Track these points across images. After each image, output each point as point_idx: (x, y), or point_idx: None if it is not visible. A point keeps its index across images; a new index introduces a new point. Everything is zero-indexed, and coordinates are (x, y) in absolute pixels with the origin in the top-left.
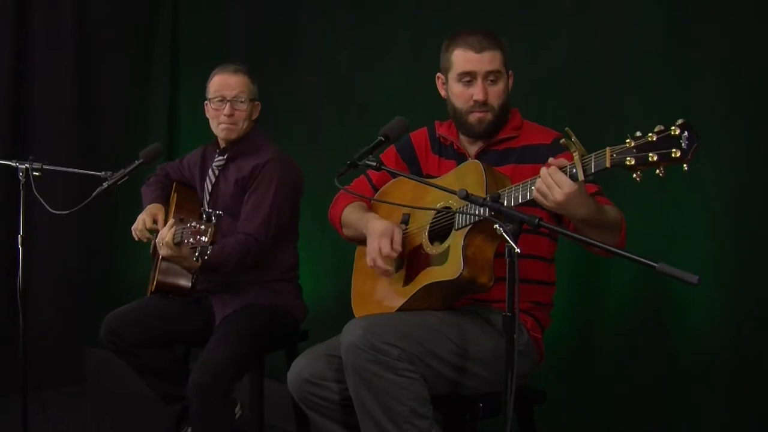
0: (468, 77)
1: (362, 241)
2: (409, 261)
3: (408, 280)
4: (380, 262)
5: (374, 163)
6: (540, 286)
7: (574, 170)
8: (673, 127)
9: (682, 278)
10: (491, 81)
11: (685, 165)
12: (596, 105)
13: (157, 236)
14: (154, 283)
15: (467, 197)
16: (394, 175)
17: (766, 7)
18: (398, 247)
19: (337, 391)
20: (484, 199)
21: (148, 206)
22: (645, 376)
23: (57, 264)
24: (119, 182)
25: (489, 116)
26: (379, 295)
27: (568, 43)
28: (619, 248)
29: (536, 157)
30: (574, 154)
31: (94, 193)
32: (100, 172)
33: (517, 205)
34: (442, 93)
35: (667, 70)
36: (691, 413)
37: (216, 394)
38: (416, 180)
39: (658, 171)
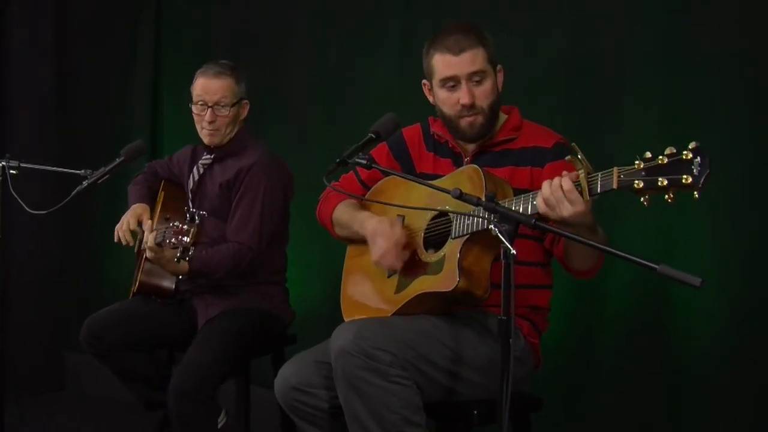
0: (451, 82)
1: (355, 240)
2: (403, 267)
3: (401, 287)
4: (389, 256)
5: (364, 161)
6: (537, 290)
7: (580, 188)
8: (685, 152)
9: (684, 280)
10: (476, 82)
11: (695, 193)
12: (595, 103)
13: (140, 237)
14: (137, 283)
15: (461, 197)
16: (385, 174)
17: (767, 5)
18: (401, 237)
19: (326, 399)
20: (479, 198)
21: (133, 206)
22: (646, 381)
23: (36, 266)
24: (100, 181)
25: (480, 119)
26: (369, 300)
27: (566, 40)
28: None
29: (534, 159)
30: (579, 172)
31: (73, 192)
32: (80, 170)
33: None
34: (430, 99)
35: (667, 68)
36: (693, 418)
37: (198, 399)
38: (409, 179)
39: (667, 196)
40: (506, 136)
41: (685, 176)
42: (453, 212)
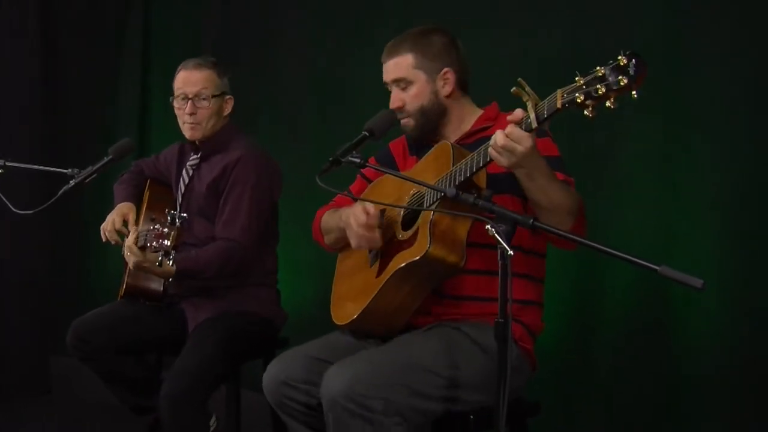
0: (387, 86)
1: (345, 240)
2: (384, 253)
3: (381, 270)
4: (366, 236)
5: (358, 160)
6: (523, 280)
7: (529, 120)
8: (620, 57)
9: (686, 282)
10: (402, 87)
11: (633, 92)
12: None
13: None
14: (124, 286)
15: (457, 197)
16: (379, 173)
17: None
18: (372, 217)
19: (316, 395)
20: (475, 197)
21: (119, 205)
22: (646, 384)
23: (22, 267)
24: (87, 180)
25: (410, 122)
26: (354, 291)
27: (566, 40)
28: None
29: None
30: (527, 103)
31: (60, 192)
32: (67, 169)
33: (479, 170)
34: None
35: (667, 68)
36: (693, 420)
37: (190, 405)
38: (397, 176)
39: (608, 103)
40: (481, 125)
41: (621, 78)
42: (428, 186)
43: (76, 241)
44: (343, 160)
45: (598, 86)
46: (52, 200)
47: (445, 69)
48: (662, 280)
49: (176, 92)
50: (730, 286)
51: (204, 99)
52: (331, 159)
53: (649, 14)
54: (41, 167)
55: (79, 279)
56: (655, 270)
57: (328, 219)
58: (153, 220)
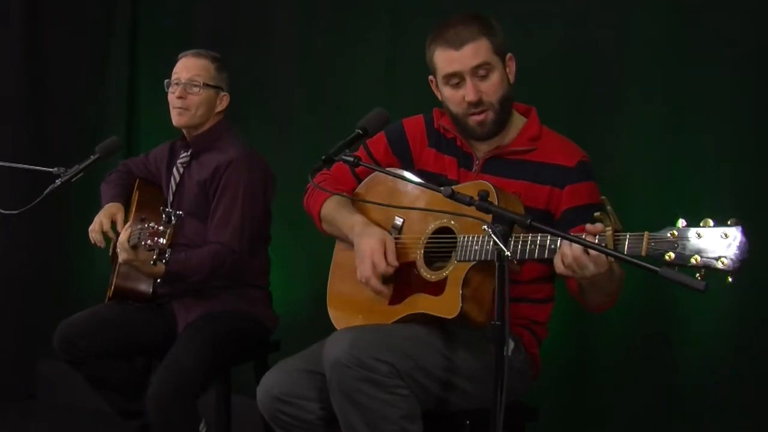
0: (455, 78)
1: (344, 239)
2: (399, 276)
3: (396, 299)
4: (374, 282)
5: (351, 159)
6: (540, 304)
7: (603, 245)
8: (725, 229)
9: (688, 284)
10: (481, 76)
11: (729, 278)
12: (594, 95)
13: (116, 239)
14: (112, 287)
15: (453, 196)
16: (374, 170)
17: None
18: (394, 262)
19: (311, 410)
20: (471, 198)
21: (107, 206)
22: (646, 390)
23: (6, 268)
24: (74, 179)
25: (490, 115)
26: (360, 305)
27: (565, 29)
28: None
29: (556, 180)
30: (606, 229)
31: (45, 191)
32: (53, 168)
33: (532, 260)
34: (438, 97)
35: (669, 58)
36: (695, 424)
37: (178, 407)
38: (397, 176)
39: (698, 274)
40: (524, 146)
41: (722, 258)
42: (461, 234)
43: (62, 242)
44: (336, 158)
45: (694, 257)
46: (38, 200)
47: (509, 54)
48: (663, 285)
49: (172, 79)
50: (739, 291)
51: (195, 86)
52: (324, 158)
53: (650, 13)
54: (26, 166)
55: (66, 280)
56: (656, 272)
57: (332, 211)
58: (143, 221)
